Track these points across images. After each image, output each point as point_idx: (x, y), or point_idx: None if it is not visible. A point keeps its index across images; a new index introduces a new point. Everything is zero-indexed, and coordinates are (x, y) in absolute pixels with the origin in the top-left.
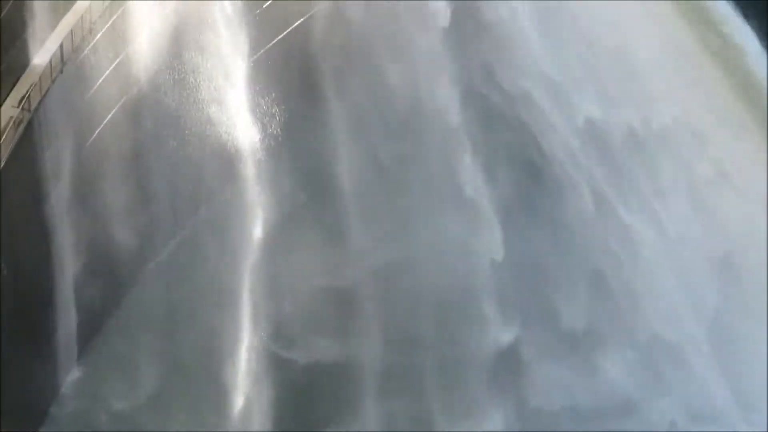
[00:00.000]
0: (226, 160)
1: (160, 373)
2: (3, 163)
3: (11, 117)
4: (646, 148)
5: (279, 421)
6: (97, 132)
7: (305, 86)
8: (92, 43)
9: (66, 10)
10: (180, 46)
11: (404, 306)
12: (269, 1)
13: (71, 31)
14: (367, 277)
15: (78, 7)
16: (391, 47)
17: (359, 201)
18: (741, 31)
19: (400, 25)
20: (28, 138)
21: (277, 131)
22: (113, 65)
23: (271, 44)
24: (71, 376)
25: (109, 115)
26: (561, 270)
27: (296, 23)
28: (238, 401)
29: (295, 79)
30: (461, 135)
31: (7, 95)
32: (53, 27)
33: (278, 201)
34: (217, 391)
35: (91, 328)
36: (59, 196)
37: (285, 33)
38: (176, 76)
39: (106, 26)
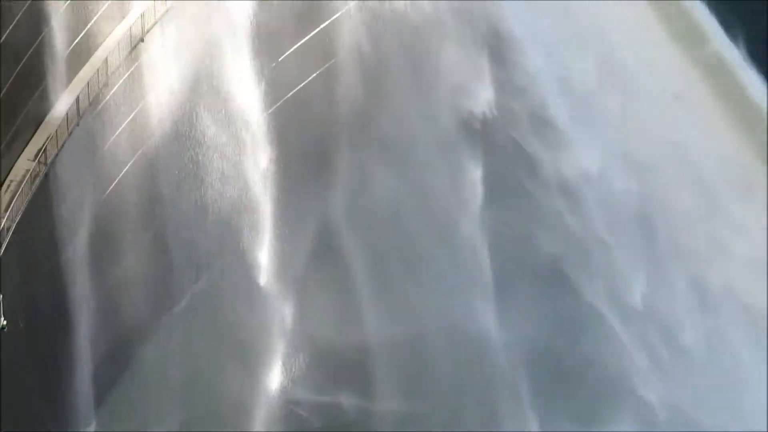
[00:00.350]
0: (242, 213)
1: (174, 428)
2: (19, 217)
3: (27, 170)
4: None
5: None
6: (113, 185)
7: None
8: (108, 96)
9: (82, 62)
10: (196, 99)
11: None
12: (284, 54)
13: (88, 83)
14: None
15: (94, 60)
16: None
17: None
18: None
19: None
20: (44, 191)
21: (292, 185)
22: (129, 118)
23: (285, 98)
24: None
25: (125, 168)
26: None
27: (312, 75)
28: None
29: (310, 134)
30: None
31: (23, 149)
32: (70, 80)
33: (294, 254)
34: None
35: (107, 382)
36: (75, 249)
37: (300, 86)
38: (191, 130)
39: (122, 79)
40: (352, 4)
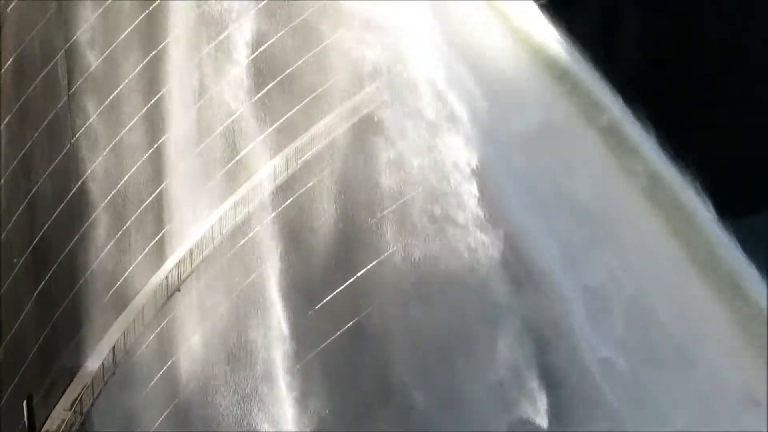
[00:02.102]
0: None
1: None
2: None
3: (63, 420)
4: None
5: None
6: None
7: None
8: (144, 346)
9: (119, 311)
10: (227, 350)
11: None
12: (316, 306)
13: (124, 333)
14: None
15: (130, 310)
16: None
17: None
18: None
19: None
20: None
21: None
22: (164, 369)
23: (316, 351)
24: None
25: (160, 419)
26: None
27: (343, 328)
28: None
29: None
30: None
31: (59, 398)
32: (106, 329)
33: None
34: None
35: None
36: None
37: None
38: (225, 381)
39: (159, 329)
40: (391, 250)
